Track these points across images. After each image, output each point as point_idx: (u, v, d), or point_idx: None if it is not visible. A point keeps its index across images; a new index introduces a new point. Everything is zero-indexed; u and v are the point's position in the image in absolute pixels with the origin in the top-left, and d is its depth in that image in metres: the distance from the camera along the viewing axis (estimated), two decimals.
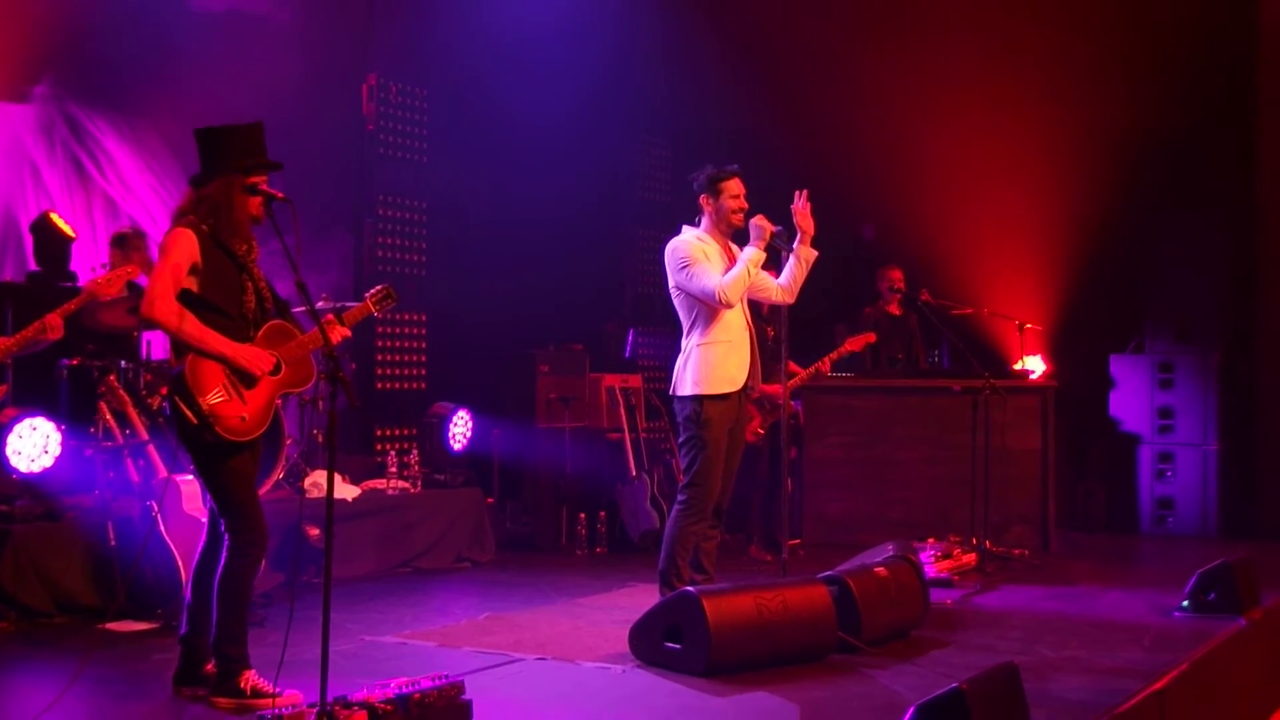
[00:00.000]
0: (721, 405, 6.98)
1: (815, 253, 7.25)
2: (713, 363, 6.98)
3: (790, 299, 7.36)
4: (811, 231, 7.20)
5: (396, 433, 10.94)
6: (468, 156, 12.03)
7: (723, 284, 6.90)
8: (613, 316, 13.16)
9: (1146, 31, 11.90)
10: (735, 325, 7.06)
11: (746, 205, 7.11)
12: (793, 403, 9.67)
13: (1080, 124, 12.09)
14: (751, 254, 7.01)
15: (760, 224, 7.05)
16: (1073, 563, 9.99)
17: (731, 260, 7.08)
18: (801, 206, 7.17)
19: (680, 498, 7.06)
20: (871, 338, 10.33)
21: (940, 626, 7.33)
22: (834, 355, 10.06)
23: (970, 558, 9.22)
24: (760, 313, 8.01)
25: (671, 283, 7.11)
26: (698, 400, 6.96)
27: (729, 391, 6.99)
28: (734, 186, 7.12)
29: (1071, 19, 12.33)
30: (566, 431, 10.74)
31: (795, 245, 7.22)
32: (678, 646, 6.22)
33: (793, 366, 9.44)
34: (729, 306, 6.97)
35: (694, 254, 7.02)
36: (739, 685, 5.99)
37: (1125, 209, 12.15)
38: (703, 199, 7.18)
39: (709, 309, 6.99)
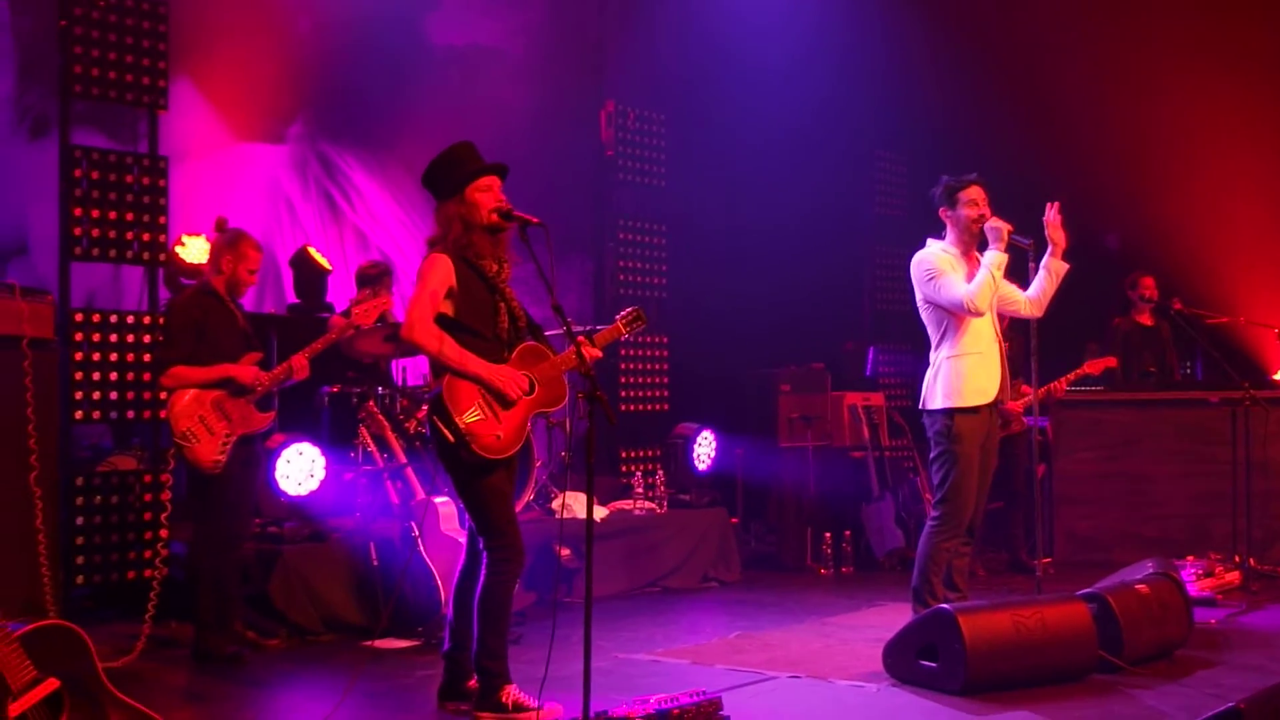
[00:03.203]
0: (973, 419, 6.86)
1: (1066, 265, 7.09)
2: (964, 375, 6.87)
3: (1039, 312, 7.21)
4: (1064, 244, 7.04)
5: (641, 454, 11.05)
6: (704, 178, 12.11)
7: (970, 292, 6.79)
8: (852, 334, 13.08)
9: None
10: (985, 336, 6.94)
11: (988, 212, 6.98)
12: (1027, 419, 9.44)
13: None
14: (993, 258, 6.88)
15: (996, 225, 6.91)
16: None
17: (976, 269, 6.96)
18: (1053, 218, 7.02)
19: (933, 514, 6.97)
20: (1113, 362, 10.07)
21: (1205, 646, 7.08)
22: (1071, 376, 9.82)
23: (1234, 576, 8.88)
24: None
25: (919, 296, 7.03)
26: (949, 414, 6.86)
27: (980, 404, 6.88)
28: (971, 193, 6.99)
29: None
30: (809, 450, 10.69)
31: (1046, 258, 7.07)
32: (933, 665, 6.14)
33: (1024, 388, 9.23)
34: (978, 314, 6.85)
35: (940, 265, 6.93)
36: (998, 704, 5.89)
37: None
38: (942, 211, 7.09)
39: (958, 321, 6.89)
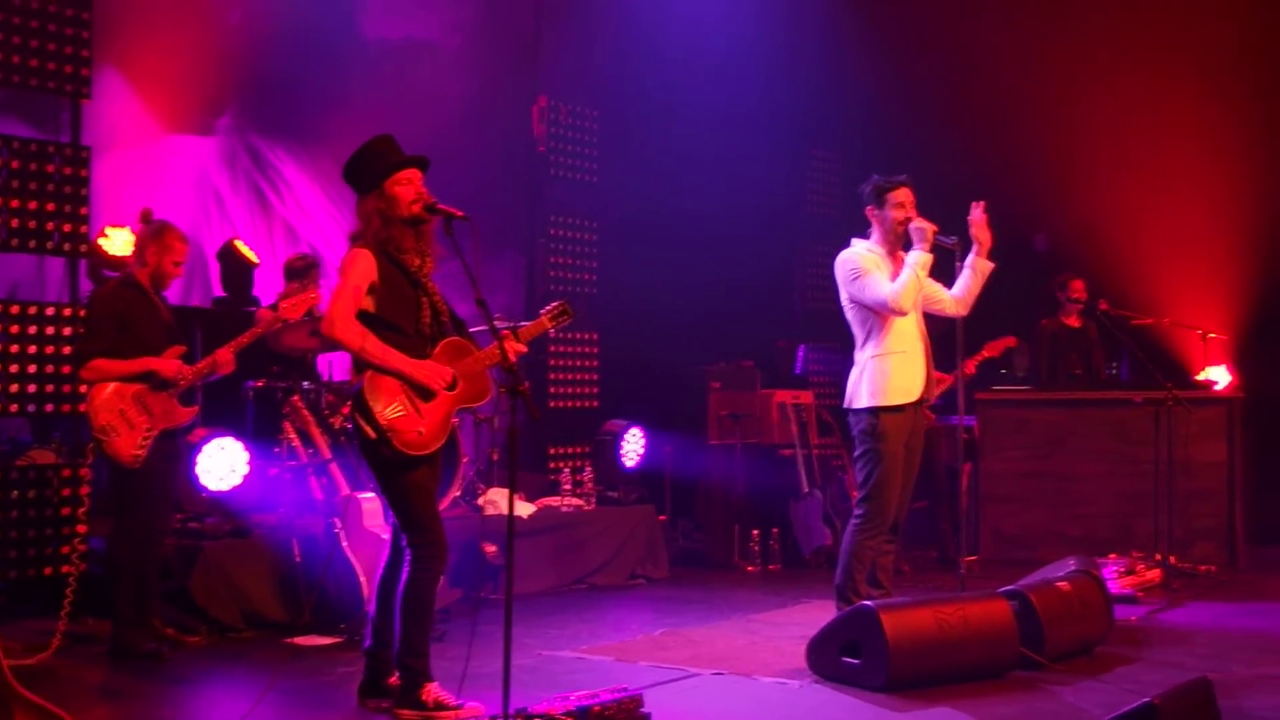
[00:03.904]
0: (898, 417, 6.90)
1: (991, 264, 7.14)
2: (888, 374, 6.91)
3: (964, 311, 7.26)
4: (989, 243, 7.10)
5: (570, 450, 11.02)
6: (637, 175, 12.09)
7: (894, 291, 6.83)
8: (783, 332, 13.11)
9: None
10: (909, 335, 6.97)
11: (914, 214, 7.00)
12: (951, 419, 9.46)
13: (1266, 125, 11.72)
14: (917, 258, 6.91)
15: (921, 226, 6.95)
16: (1262, 579, 9.63)
17: (901, 269, 6.98)
18: (978, 218, 7.08)
19: (857, 512, 7.00)
20: (1012, 341, 10.15)
21: (1125, 643, 7.16)
22: (971, 362, 9.86)
23: (1154, 574, 8.99)
24: None
25: (844, 295, 7.06)
26: (874, 413, 6.89)
27: (904, 403, 6.92)
28: (899, 196, 7.03)
29: (1256, 17, 11.96)
30: (738, 448, 10.71)
31: (971, 256, 7.12)
32: (856, 661, 6.16)
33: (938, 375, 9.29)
34: (902, 314, 6.88)
35: (864, 264, 6.96)
36: (920, 701, 5.91)
37: None
38: (869, 210, 7.12)
39: (883, 320, 6.92)
